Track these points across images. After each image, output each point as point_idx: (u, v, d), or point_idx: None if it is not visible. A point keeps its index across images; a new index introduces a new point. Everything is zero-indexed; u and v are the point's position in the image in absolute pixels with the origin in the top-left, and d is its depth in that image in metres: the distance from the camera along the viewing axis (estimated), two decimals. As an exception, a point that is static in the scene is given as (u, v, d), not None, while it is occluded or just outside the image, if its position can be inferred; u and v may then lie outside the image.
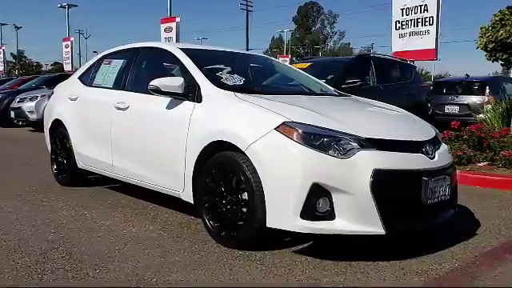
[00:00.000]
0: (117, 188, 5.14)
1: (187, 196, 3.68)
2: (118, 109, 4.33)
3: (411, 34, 12.38)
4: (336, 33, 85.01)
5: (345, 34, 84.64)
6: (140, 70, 4.56)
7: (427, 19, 12.06)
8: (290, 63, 27.38)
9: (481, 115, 8.16)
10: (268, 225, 3.06)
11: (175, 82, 3.71)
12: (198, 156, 3.50)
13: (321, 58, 10.86)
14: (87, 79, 5.22)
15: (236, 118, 3.34)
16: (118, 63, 4.79)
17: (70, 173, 5.24)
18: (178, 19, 19.77)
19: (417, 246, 3.34)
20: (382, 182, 2.91)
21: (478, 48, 7.07)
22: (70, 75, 15.55)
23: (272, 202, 3.01)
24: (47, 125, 5.66)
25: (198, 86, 3.70)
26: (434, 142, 3.42)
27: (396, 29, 12.47)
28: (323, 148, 2.95)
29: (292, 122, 3.05)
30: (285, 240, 3.34)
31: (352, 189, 2.90)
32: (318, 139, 2.98)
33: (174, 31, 19.68)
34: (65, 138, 5.26)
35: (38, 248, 3.24)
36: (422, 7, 12.17)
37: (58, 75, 15.93)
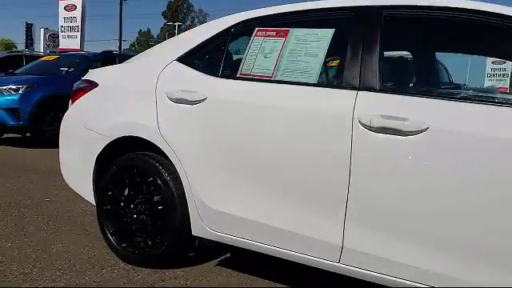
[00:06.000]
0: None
1: None
2: (388, 131, 1.99)
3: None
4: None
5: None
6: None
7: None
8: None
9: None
10: None
11: None
12: None
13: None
14: (214, 66, 2.70)
15: None
16: (313, 36, 2.40)
17: (169, 243, 2.66)
18: (83, -5, 16.21)
19: None
20: None
21: None
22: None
23: None
24: (90, 148, 2.93)
25: None
26: None
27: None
28: None
29: None
30: None
31: None
32: None
33: (78, 10, 16.19)
34: (157, 175, 2.67)
35: None
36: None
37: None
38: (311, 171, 2.21)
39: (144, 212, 2.78)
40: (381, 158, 2.04)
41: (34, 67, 8.91)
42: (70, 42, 16.06)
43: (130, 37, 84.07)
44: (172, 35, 71.52)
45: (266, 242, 2.36)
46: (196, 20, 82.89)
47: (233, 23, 2.69)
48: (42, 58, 9.79)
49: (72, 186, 3.17)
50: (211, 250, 2.90)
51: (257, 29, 2.59)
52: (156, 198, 2.73)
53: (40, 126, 7.52)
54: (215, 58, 2.71)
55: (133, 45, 79.81)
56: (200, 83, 2.62)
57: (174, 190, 2.64)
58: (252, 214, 2.38)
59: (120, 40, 37.65)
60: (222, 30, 2.72)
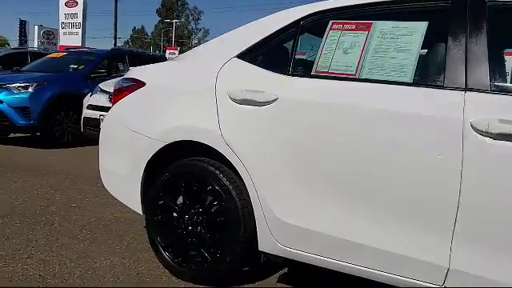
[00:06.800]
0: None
1: None
2: (510, 138, 1.74)
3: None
4: (200, 29, 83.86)
5: (209, 32, 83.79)
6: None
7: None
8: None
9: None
10: None
11: None
12: None
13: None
14: (282, 62, 2.44)
15: None
16: (402, 29, 2.16)
17: (232, 259, 2.41)
18: (85, -8, 15.89)
19: None
20: None
21: None
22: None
23: None
24: (138, 153, 2.66)
25: None
26: None
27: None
28: None
29: None
30: None
31: None
32: None
33: (79, 6, 15.85)
34: (217, 183, 2.41)
35: None
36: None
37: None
38: (411, 183, 1.95)
39: (201, 223, 2.51)
40: (500, 169, 1.79)
41: (40, 64, 8.59)
42: (70, 39, 15.73)
43: (124, 34, 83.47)
44: (168, 32, 71.02)
45: (355, 262, 2.10)
46: (191, 17, 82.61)
47: (302, 15, 2.44)
48: (49, 55, 9.46)
49: (115, 193, 2.91)
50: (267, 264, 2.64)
51: (331, 22, 2.34)
52: (216, 209, 2.47)
53: (50, 126, 7.19)
54: (283, 54, 2.45)
55: (127, 42, 79.33)
56: (268, 82, 2.36)
57: (237, 199, 2.39)
58: (337, 231, 2.13)
59: (115, 37, 37.21)
60: (289, 23, 2.46)
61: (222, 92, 2.45)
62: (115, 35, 39.76)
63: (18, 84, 6.99)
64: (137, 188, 2.71)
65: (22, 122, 6.91)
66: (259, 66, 2.45)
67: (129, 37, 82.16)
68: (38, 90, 7.03)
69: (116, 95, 2.93)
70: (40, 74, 7.59)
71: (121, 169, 2.79)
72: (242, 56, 2.51)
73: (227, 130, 2.39)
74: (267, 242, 2.32)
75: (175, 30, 75.82)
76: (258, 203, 2.31)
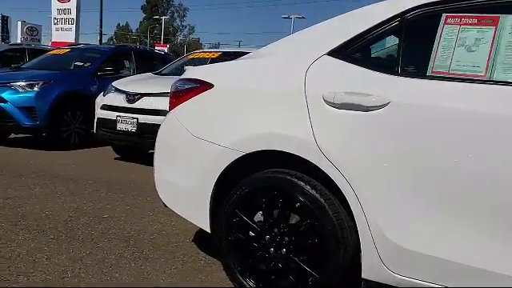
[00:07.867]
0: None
1: None
2: None
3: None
4: (186, 27, 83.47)
5: (195, 29, 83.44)
6: None
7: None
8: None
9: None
10: None
11: None
12: None
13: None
14: (387, 61, 2.15)
15: None
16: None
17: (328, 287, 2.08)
18: (79, -14, 15.38)
19: None
20: None
21: None
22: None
23: None
24: (208, 163, 2.34)
25: None
26: None
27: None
28: None
29: None
30: None
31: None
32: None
33: (72, 1, 15.28)
34: (308, 199, 2.11)
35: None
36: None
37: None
38: None
39: (287, 245, 2.19)
40: None
41: (43, 62, 8.13)
42: (63, 35, 15.21)
43: (108, 31, 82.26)
44: (153, 29, 70.10)
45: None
46: (176, 14, 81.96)
47: (408, 7, 2.12)
48: (51, 52, 8.99)
49: (175, 207, 2.58)
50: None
51: (445, 15, 2.03)
52: (306, 229, 2.15)
53: (57, 127, 6.77)
54: (386, 51, 2.13)
55: (111, 39, 78.32)
56: (373, 84, 2.04)
57: (334, 220, 2.07)
58: (469, 259, 1.82)
59: (101, 34, 36.48)
60: (393, 15, 2.15)
61: (313, 94, 2.13)
62: (101, 31, 38.79)
63: (22, 82, 6.55)
64: (205, 203, 2.38)
65: (27, 122, 6.48)
66: (358, 65, 2.13)
67: (113, 33, 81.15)
68: (45, 88, 6.60)
69: (175, 98, 2.59)
70: (45, 71, 7.14)
71: (185, 180, 2.46)
72: (335, 53, 2.19)
73: (324, 139, 2.07)
74: (374, 269, 2.01)
75: (166, 26, 74.92)
76: (364, 224, 2.00)
